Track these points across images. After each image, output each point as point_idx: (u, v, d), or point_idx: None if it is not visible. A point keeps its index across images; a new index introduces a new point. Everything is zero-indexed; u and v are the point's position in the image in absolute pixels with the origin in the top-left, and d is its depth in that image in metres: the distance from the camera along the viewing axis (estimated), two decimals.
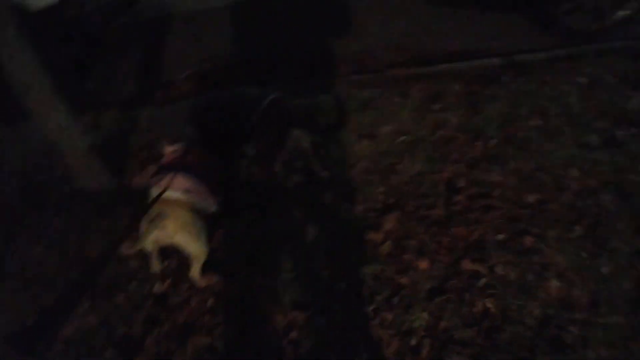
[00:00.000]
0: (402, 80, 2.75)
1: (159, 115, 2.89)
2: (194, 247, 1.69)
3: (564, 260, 1.68)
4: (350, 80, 2.83)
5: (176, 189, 1.66)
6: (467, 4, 3.16)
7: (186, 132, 2.05)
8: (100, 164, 2.33)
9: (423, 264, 1.77)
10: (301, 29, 3.49)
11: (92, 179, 2.34)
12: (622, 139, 2.11)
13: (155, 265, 1.83)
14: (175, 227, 1.61)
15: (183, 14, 4.00)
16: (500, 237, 1.80)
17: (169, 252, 1.86)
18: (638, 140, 2.08)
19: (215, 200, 1.82)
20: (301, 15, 3.65)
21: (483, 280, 1.67)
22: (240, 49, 3.45)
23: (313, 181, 2.13)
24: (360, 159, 2.24)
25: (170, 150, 1.89)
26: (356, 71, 2.96)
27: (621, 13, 2.78)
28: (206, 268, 1.80)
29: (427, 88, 2.65)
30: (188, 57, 3.44)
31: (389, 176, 2.13)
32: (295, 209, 2.05)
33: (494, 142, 2.19)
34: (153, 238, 1.61)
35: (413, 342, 1.55)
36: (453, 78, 2.68)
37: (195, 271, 1.77)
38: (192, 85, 3.32)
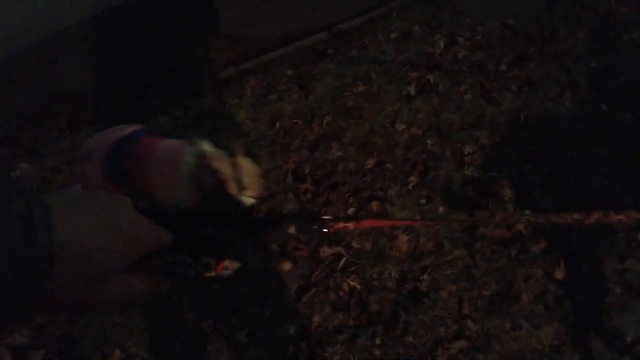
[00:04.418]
0: (235, 78, 2.63)
1: None
2: None
3: (407, 213, 1.76)
4: (185, 91, 2.62)
5: None
6: None
7: None
8: None
9: (287, 266, 1.71)
10: (133, 50, 3.12)
11: None
12: (434, 81, 2.29)
13: None
14: None
15: None
16: (351, 211, 1.82)
17: None
18: (446, 80, 2.27)
19: None
20: (131, 35, 3.27)
21: (343, 261, 1.67)
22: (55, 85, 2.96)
23: None
24: None
25: None
26: (190, 79, 2.76)
27: None
28: None
29: (260, 81, 2.57)
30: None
31: None
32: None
33: (328, 118, 2.21)
34: None
35: (290, 350, 1.49)
36: (282, 64, 2.64)
37: None
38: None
